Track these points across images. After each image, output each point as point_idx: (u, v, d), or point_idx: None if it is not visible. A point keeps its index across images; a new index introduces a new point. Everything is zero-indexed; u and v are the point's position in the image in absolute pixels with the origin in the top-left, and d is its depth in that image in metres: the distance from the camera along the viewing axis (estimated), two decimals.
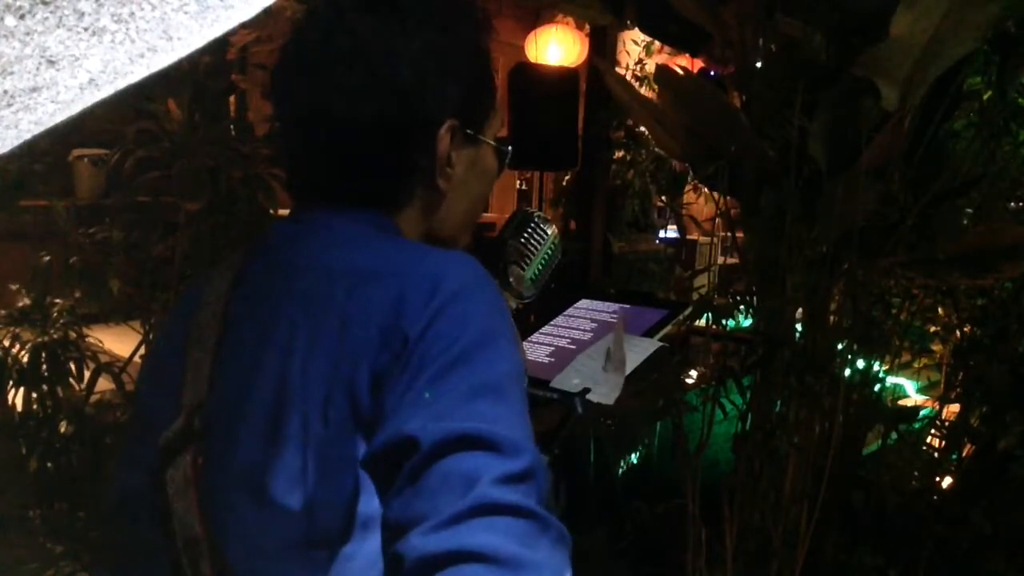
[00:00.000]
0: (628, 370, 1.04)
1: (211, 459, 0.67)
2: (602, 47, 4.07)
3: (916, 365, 2.63)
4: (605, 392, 1.03)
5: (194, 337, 0.72)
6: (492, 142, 0.83)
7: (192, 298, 0.76)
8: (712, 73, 2.65)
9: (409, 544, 0.54)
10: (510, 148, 0.85)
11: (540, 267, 0.92)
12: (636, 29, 2.46)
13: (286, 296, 0.69)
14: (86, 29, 0.25)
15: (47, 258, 2.50)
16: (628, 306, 1.28)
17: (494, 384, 0.61)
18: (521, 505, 0.55)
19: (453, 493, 0.55)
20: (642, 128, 3.84)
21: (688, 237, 5.20)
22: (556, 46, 5.36)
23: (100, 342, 2.62)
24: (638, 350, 1.09)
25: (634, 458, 3.11)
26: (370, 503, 0.62)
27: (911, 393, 2.90)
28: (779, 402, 1.94)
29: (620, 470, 3.04)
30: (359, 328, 0.64)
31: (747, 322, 2.14)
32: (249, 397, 0.67)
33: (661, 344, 1.11)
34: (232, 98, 2.75)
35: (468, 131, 0.78)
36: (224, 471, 0.66)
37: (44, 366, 2.36)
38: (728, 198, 2.08)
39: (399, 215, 0.77)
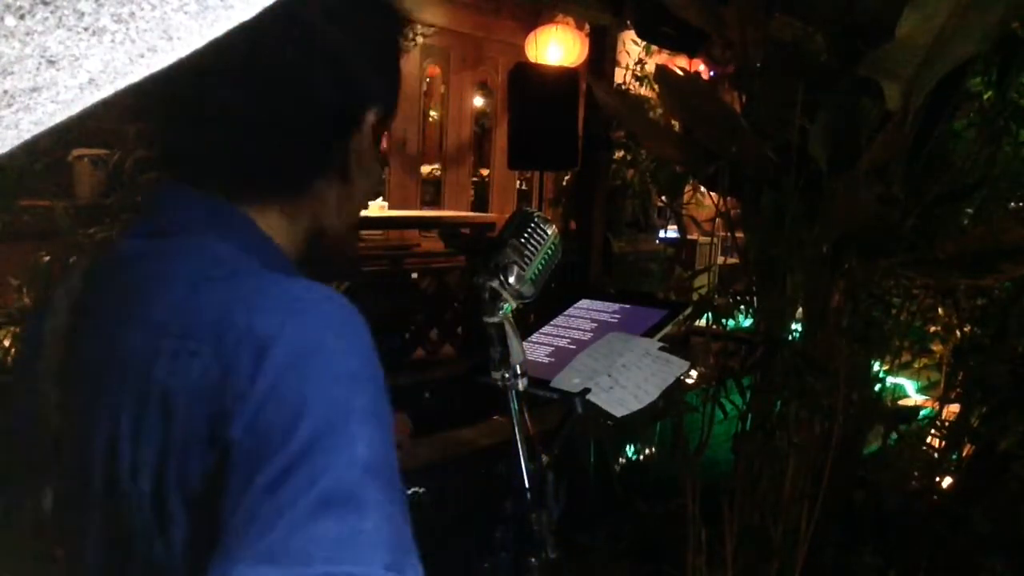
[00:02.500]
0: (654, 397, 1.05)
1: (65, 544, 0.60)
2: (602, 47, 4.07)
3: (916, 365, 2.63)
4: (614, 403, 1.03)
5: (41, 384, 0.62)
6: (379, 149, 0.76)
7: (35, 334, 0.65)
8: (706, 77, 2.65)
9: None
10: (386, 160, 0.79)
11: (540, 267, 0.91)
12: None
13: (112, 359, 0.57)
14: (86, 29, 0.25)
15: (47, 258, 2.50)
16: (628, 306, 1.28)
17: (343, 489, 0.48)
18: None
19: None
20: None
21: (688, 237, 5.20)
22: (556, 46, 5.37)
23: None
24: (660, 367, 1.09)
25: (633, 456, 3.11)
26: None
27: (911, 393, 2.90)
28: (779, 402, 1.95)
29: (619, 469, 3.04)
30: (182, 417, 0.52)
31: (747, 322, 2.14)
32: (87, 485, 0.57)
33: (683, 362, 1.11)
34: None
35: (381, 125, 0.70)
36: (77, 565, 0.59)
37: None
38: (728, 198, 2.09)
39: (288, 209, 0.67)
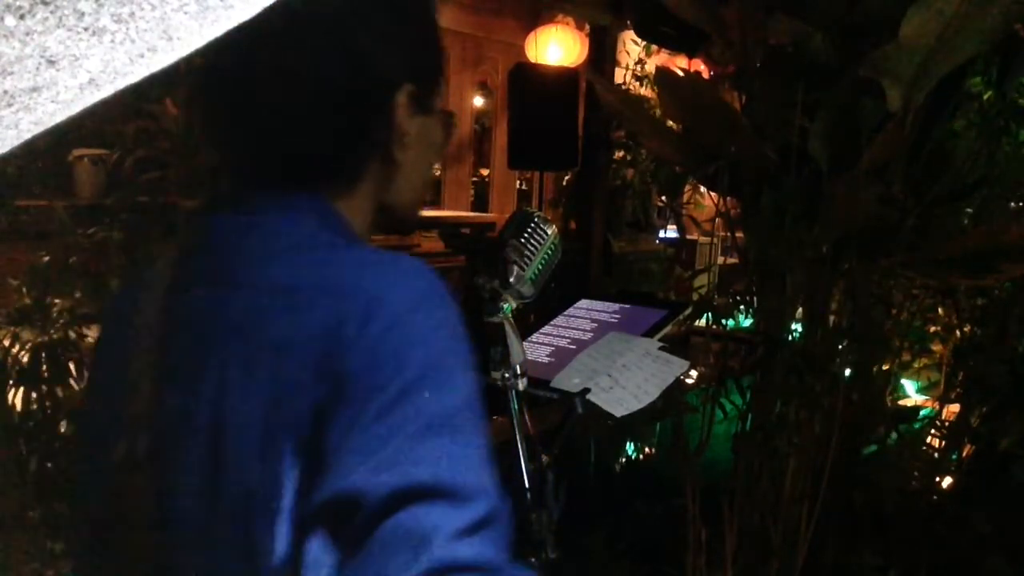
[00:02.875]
0: (654, 397, 1.05)
1: (158, 487, 0.63)
2: (602, 47, 4.07)
3: (916, 365, 2.63)
4: (614, 402, 1.03)
5: (134, 349, 0.66)
6: (440, 111, 0.79)
7: (129, 303, 0.70)
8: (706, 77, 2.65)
9: None
10: (454, 113, 0.82)
11: (540, 267, 0.92)
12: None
13: (220, 314, 0.63)
14: (86, 29, 0.25)
15: (47, 258, 2.50)
16: (628, 306, 1.28)
17: (444, 420, 0.56)
18: (479, 561, 0.52)
19: (405, 556, 0.51)
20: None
21: (688, 237, 5.19)
22: (556, 46, 5.36)
23: None
24: (660, 367, 1.09)
25: (633, 455, 3.11)
26: (319, 545, 0.57)
27: (911, 393, 2.90)
28: (779, 402, 1.95)
29: (619, 469, 3.04)
30: (295, 360, 0.58)
31: (747, 322, 2.14)
32: (188, 429, 0.62)
33: (683, 362, 1.11)
34: None
35: (422, 100, 0.73)
36: (168, 503, 0.63)
37: (44, 366, 2.36)
38: (728, 198, 2.09)
39: (351, 193, 0.71)
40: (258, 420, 0.59)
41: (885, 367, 2.28)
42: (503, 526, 0.55)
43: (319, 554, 0.56)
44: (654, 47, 4.46)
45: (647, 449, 3.14)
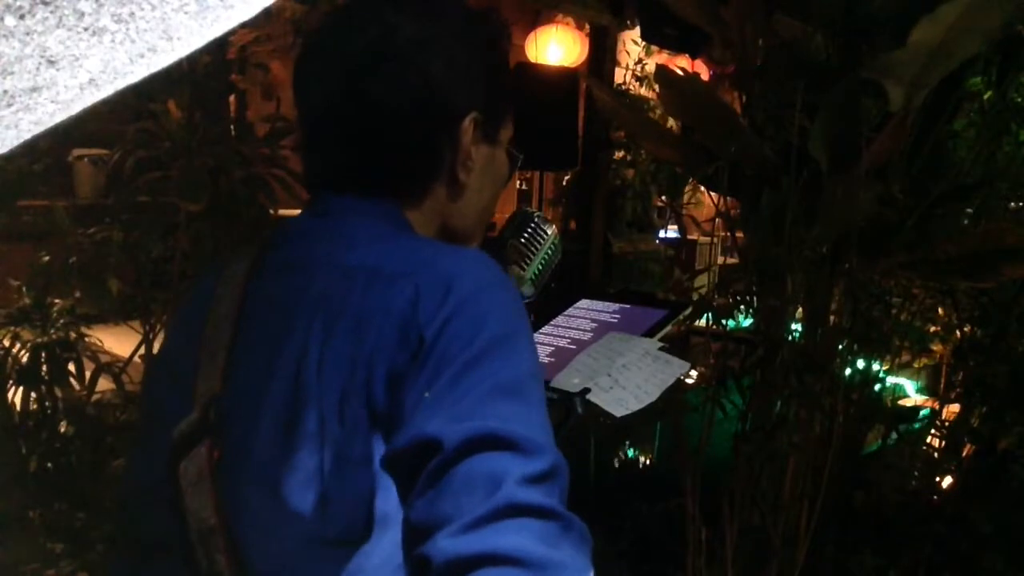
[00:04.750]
0: (654, 397, 1.05)
1: (225, 453, 0.67)
2: (602, 47, 4.07)
3: (916, 365, 2.63)
4: (614, 402, 1.03)
5: (208, 330, 0.72)
6: (506, 146, 0.85)
7: (206, 289, 0.76)
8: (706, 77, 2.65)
9: (437, 546, 0.54)
10: (521, 156, 0.87)
11: (540, 267, 0.92)
12: (637, 29, 2.46)
13: (302, 294, 0.69)
14: (86, 29, 0.25)
15: (47, 258, 2.49)
16: (628, 306, 1.28)
17: (513, 384, 0.61)
18: (545, 506, 0.56)
19: (478, 494, 0.55)
20: None
21: (688, 237, 5.19)
22: (556, 46, 5.36)
23: (100, 342, 2.62)
24: (660, 367, 1.09)
25: (632, 455, 3.11)
26: (388, 500, 0.63)
27: (911, 393, 2.90)
28: (779, 402, 1.94)
29: (619, 469, 3.04)
30: (375, 328, 0.64)
31: (747, 322, 2.14)
32: (264, 393, 0.67)
33: (683, 363, 1.11)
34: (232, 98, 2.75)
35: (487, 128, 0.80)
36: (239, 466, 0.66)
37: (44, 366, 2.35)
38: (728, 198, 2.08)
39: (417, 208, 0.78)
40: (337, 382, 0.64)
41: (885, 367, 2.28)
42: (564, 481, 0.59)
43: (392, 496, 0.62)
44: (654, 47, 4.46)
45: (649, 457, 3.14)
